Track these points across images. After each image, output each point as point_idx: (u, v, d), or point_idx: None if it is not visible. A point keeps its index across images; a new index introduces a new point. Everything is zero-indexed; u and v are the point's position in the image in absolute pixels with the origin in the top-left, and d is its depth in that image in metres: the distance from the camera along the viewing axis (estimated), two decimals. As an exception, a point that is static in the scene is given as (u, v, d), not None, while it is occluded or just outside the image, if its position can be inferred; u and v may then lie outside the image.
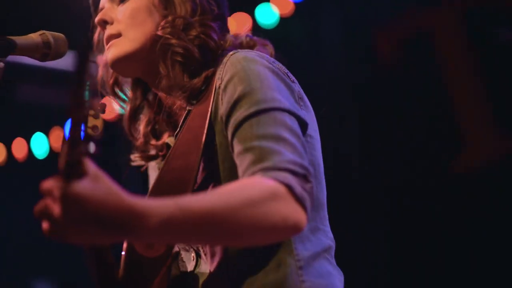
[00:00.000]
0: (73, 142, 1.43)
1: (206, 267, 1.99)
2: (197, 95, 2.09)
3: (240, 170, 1.81)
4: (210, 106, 2.00)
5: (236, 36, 2.23)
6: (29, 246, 4.53)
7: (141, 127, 2.31)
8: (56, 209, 1.44)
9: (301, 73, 5.18)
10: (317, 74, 4.99)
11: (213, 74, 2.07)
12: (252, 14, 4.82)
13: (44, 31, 2.15)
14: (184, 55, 2.12)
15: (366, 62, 5.00)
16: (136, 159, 2.35)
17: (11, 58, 2.08)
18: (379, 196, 4.87)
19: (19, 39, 2.07)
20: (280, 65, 2.06)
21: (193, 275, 2.01)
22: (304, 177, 1.72)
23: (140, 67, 2.21)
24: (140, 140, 2.31)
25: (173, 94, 2.13)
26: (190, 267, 2.03)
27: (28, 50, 2.10)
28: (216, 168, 1.98)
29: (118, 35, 2.18)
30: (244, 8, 4.82)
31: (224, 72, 1.99)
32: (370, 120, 4.96)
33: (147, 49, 2.16)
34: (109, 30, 2.19)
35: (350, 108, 5.04)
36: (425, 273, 4.70)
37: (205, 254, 2.00)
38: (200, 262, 2.02)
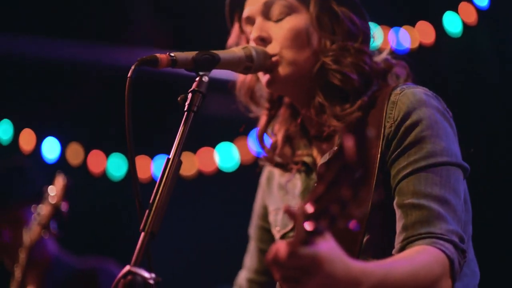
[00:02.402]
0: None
1: None
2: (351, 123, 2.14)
3: (403, 222, 1.97)
4: (380, 146, 2.06)
5: (375, 60, 2.25)
6: (222, 256, 4.67)
7: (278, 135, 2.37)
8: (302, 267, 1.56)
9: (485, 82, 5.00)
10: (501, 83, 4.83)
11: (372, 105, 2.12)
12: (435, 23, 4.75)
13: (246, 45, 2.23)
14: (342, 81, 2.16)
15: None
16: (263, 161, 2.44)
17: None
18: None
19: (222, 53, 2.14)
20: (443, 102, 2.12)
21: None
22: (462, 252, 1.94)
23: (294, 89, 2.27)
24: (272, 146, 2.38)
25: (323, 117, 2.18)
26: None
27: (231, 64, 2.17)
28: (382, 196, 2.07)
29: (276, 55, 2.21)
30: (427, 17, 4.77)
31: (396, 113, 2.07)
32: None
33: (305, 72, 2.21)
34: (268, 50, 2.22)
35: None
36: None
37: None
38: None
